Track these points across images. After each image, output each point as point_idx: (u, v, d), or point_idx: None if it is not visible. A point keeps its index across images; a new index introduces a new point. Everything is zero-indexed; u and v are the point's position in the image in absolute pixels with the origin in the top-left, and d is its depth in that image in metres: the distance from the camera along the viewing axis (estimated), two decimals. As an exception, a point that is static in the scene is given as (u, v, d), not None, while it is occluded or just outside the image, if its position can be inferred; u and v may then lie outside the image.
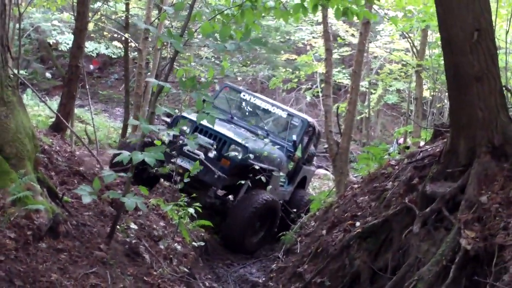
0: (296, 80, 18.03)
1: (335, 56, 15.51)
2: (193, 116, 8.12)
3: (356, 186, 6.38)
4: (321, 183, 16.06)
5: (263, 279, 6.86)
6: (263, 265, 7.81)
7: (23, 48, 19.26)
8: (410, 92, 16.61)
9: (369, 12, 6.08)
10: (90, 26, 12.96)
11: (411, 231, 4.45)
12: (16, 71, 7.55)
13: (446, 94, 9.42)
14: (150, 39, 12.87)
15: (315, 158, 11.80)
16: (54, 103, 15.58)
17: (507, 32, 7.34)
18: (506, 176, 4.26)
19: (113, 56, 21.03)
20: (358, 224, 5.23)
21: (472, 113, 4.44)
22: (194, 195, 7.11)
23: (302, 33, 19.38)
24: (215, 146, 8.16)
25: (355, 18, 5.70)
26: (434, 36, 12.37)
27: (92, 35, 19.36)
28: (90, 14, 9.55)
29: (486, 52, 4.36)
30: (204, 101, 4.58)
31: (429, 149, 5.40)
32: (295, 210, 9.28)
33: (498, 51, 4.70)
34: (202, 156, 7.91)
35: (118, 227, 5.03)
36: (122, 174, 4.63)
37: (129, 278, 4.48)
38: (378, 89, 19.91)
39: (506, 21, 8.57)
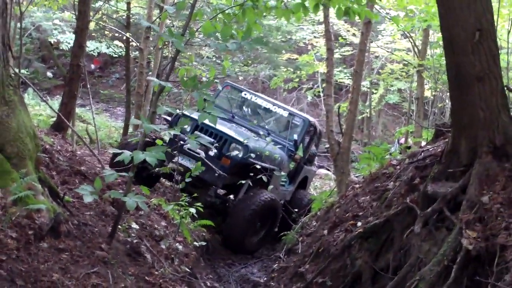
0: (297, 79, 18.02)
1: (336, 55, 15.49)
2: (193, 115, 8.12)
3: (357, 186, 6.37)
4: (322, 183, 16.05)
5: (265, 279, 6.86)
6: (264, 265, 7.81)
7: (24, 47, 19.25)
8: (412, 92, 16.59)
9: (370, 11, 6.07)
10: (91, 25, 12.94)
11: (413, 231, 4.45)
12: (17, 70, 7.55)
13: (448, 94, 9.43)
14: (151, 38, 12.87)
15: (316, 158, 11.78)
16: (55, 102, 15.59)
17: (508, 32, 7.34)
18: (507, 176, 4.26)
19: (114, 56, 21.03)
20: (359, 224, 5.23)
21: (474, 113, 4.44)
22: (196, 194, 7.10)
23: (303, 33, 19.38)
24: (215, 145, 8.14)
25: (356, 17, 5.70)
26: (435, 36, 12.37)
27: (93, 34, 19.38)
28: (91, 13, 9.54)
29: (488, 52, 4.35)
30: (205, 100, 4.58)
31: (431, 149, 5.40)
32: (296, 210, 9.25)
33: (499, 51, 4.69)
34: (202, 154, 7.88)
35: (119, 226, 5.04)
36: (123, 173, 4.62)
37: (131, 277, 4.48)
38: (380, 89, 19.90)
39: (508, 21, 8.58)
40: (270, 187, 8.41)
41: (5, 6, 4.35)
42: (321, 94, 16.82)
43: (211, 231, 7.65)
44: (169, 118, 8.58)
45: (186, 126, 8.17)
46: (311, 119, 10.26)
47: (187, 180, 6.14)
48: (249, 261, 7.98)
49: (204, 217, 6.91)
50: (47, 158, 5.72)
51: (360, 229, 5.03)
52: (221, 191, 9.20)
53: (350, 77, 17.24)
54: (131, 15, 13.32)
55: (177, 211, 5.94)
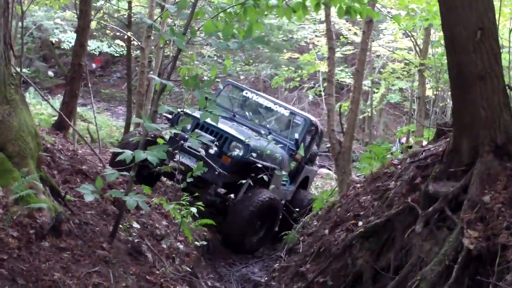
0: (298, 79, 18.03)
1: (337, 55, 15.48)
2: (193, 112, 8.10)
3: (358, 185, 6.37)
4: (323, 182, 16.04)
5: (266, 278, 6.85)
6: (265, 264, 7.80)
7: (26, 46, 19.25)
8: (413, 91, 16.59)
9: (372, 10, 6.06)
10: (93, 25, 12.93)
11: (414, 231, 4.44)
12: (18, 69, 7.55)
13: (449, 93, 9.42)
14: (152, 38, 12.87)
15: (317, 157, 11.76)
16: (57, 101, 15.58)
17: (510, 31, 7.33)
18: (509, 176, 4.25)
19: (116, 55, 21.01)
20: (360, 223, 5.23)
21: (475, 112, 4.43)
22: (197, 194, 7.09)
23: (304, 32, 19.38)
24: (216, 143, 8.11)
25: (358, 16, 5.69)
26: (437, 35, 12.35)
27: (94, 33, 19.36)
28: (92, 13, 9.54)
29: (489, 51, 4.35)
30: (206, 98, 4.58)
31: (432, 149, 5.39)
32: (297, 210, 9.24)
33: (501, 50, 4.69)
34: (203, 153, 7.86)
35: (120, 226, 5.04)
36: (124, 173, 4.62)
37: (132, 277, 4.49)
38: (381, 88, 19.90)
39: (510, 20, 8.57)
40: (271, 186, 8.40)
41: (6, 5, 4.35)
42: (322, 93, 16.81)
43: (212, 231, 7.65)
44: (170, 116, 8.57)
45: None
46: (313, 118, 10.25)
47: (189, 180, 6.14)
48: (250, 261, 7.98)
49: (205, 216, 6.91)
50: (48, 157, 5.72)
51: (361, 229, 5.03)
52: (222, 190, 9.19)
53: (352, 76, 17.22)
54: (132, 14, 13.33)
55: (178, 211, 5.94)
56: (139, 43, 12.45)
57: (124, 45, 16.90)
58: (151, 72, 12.60)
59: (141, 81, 11.51)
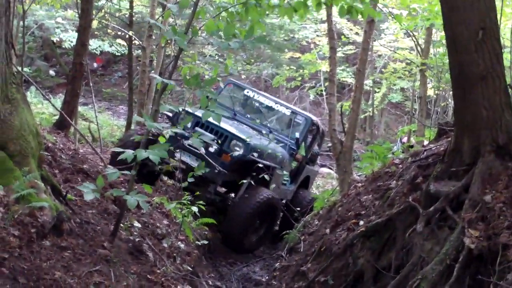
0: (299, 78, 18.04)
1: (339, 54, 15.50)
2: (194, 111, 8.09)
3: (359, 185, 6.36)
4: (324, 181, 16.05)
5: (266, 277, 6.86)
6: (266, 263, 7.80)
7: (27, 45, 19.30)
8: (414, 91, 16.60)
9: (373, 10, 6.06)
10: (94, 24, 12.96)
11: (415, 230, 4.44)
12: (20, 69, 7.55)
13: (451, 93, 9.41)
14: (154, 37, 12.88)
15: (319, 157, 11.75)
16: (58, 100, 15.60)
17: (512, 31, 7.32)
18: (510, 175, 4.25)
19: (117, 54, 21.04)
20: (361, 223, 5.22)
21: (477, 112, 4.43)
22: (198, 193, 7.09)
23: (306, 31, 19.38)
24: (215, 141, 8.09)
25: (359, 16, 5.69)
26: (438, 34, 12.35)
27: (96, 32, 19.38)
28: (94, 12, 9.56)
29: (491, 50, 4.34)
30: (207, 97, 4.58)
31: (433, 148, 5.39)
32: (298, 209, 9.23)
33: (503, 50, 4.68)
34: (202, 151, 7.84)
35: (121, 225, 5.04)
36: (125, 172, 4.63)
37: (133, 276, 4.49)
38: (382, 88, 19.90)
39: (511, 20, 8.56)
40: (272, 186, 8.39)
41: (8, 4, 4.36)
42: (324, 93, 16.81)
43: (213, 230, 7.64)
44: (171, 114, 8.55)
45: (186, 122, 8.14)
46: (314, 118, 10.24)
47: (190, 180, 6.14)
48: (251, 260, 7.98)
49: (206, 215, 6.91)
50: (49, 156, 5.72)
51: (362, 228, 5.03)
52: (222, 189, 9.19)
53: (353, 76, 17.25)
54: (133, 14, 13.33)
55: (179, 210, 5.94)
56: (141, 42, 12.45)
57: (125, 44, 16.91)
58: (153, 71, 12.61)
59: (143, 80, 11.53)
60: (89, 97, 16.83)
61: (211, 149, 8.07)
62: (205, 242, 6.48)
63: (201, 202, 6.11)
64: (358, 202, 5.73)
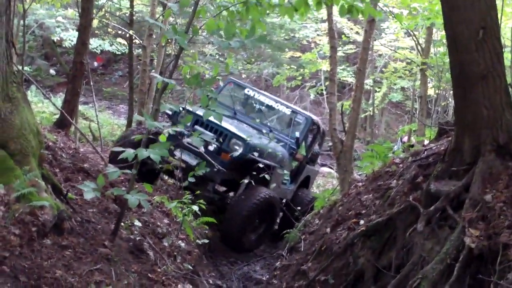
0: (300, 77, 18.04)
1: (339, 54, 15.49)
2: (195, 110, 8.09)
3: (360, 184, 6.36)
4: (325, 181, 16.05)
5: (267, 276, 6.86)
6: (267, 263, 7.80)
7: (28, 44, 19.30)
8: (415, 90, 16.60)
9: (374, 9, 6.06)
10: (95, 23, 12.95)
11: (415, 230, 4.44)
12: (20, 68, 7.56)
13: (451, 92, 9.41)
14: (154, 36, 12.88)
15: (319, 157, 11.75)
16: (58, 99, 15.61)
17: (512, 30, 7.32)
18: (510, 175, 4.25)
19: (117, 53, 21.04)
20: (362, 222, 5.22)
21: (477, 112, 4.43)
22: (198, 192, 7.09)
23: (306, 31, 19.39)
24: (215, 140, 8.08)
25: (360, 15, 5.69)
26: (439, 34, 12.36)
27: (96, 31, 19.41)
28: (94, 11, 9.56)
29: (492, 50, 4.34)
30: (208, 96, 4.58)
31: (434, 148, 5.39)
32: (298, 208, 9.23)
33: (503, 49, 4.68)
34: (202, 149, 7.83)
35: (122, 224, 5.04)
36: (126, 171, 4.63)
37: (133, 275, 4.49)
38: (383, 87, 19.91)
39: (512, 19, 8.56)
40: (272, 185, 8.38)
41: (8, 3, 4.36)
42: (324, 92, 16.83)
43: (213, 229, 7.64)
44: (170, 112, 8.54)
45: (186, 121, 8.12)
46: (314, 117, 10.23)
47: (190, 180, 6.14)
48: (252, 259, 7.98)
49: (207, 214, 6.91)
50: (50, 155, 5.73)
51: (363, 227, 5.03)
52: (222, 188, 9.18)
53: (353, 75, 17.24)
54: (134, 13, 13.33)
55: (179, 209, 5.94)
56: (141, 41, 12.46)
57: (126, 43, 16.92)
58: (153, 71, 12.62)
59: (143, 80, 11.53)
60: (89, 96, 16.86)
61: (211, 148, 8.05)
62: (206, 241, 6.49)
63: (201, 201, 6.11)
64: (358, 202, 5.73)
